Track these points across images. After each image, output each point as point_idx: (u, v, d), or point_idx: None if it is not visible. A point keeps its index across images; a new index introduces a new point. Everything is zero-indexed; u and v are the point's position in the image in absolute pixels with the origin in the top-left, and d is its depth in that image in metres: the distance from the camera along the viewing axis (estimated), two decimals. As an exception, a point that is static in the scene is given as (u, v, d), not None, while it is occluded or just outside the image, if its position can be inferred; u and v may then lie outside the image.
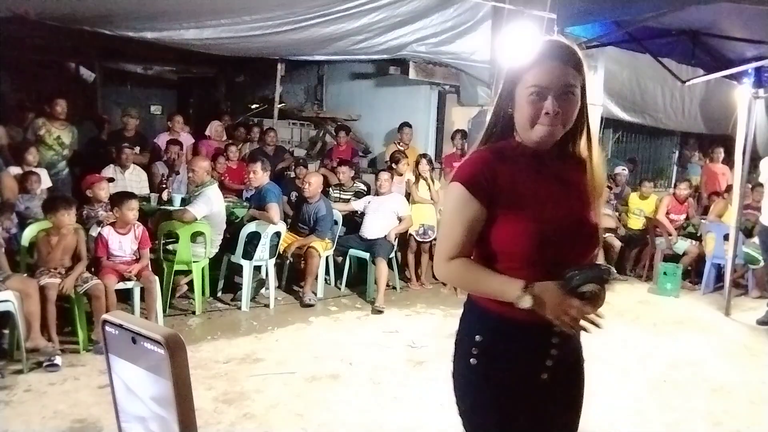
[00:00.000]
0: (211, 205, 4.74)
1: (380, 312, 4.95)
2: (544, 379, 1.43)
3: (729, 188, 6.69)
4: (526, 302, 1.31)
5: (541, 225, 1.38)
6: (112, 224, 4.16)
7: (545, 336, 1.41)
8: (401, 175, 6.12)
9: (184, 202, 4.86)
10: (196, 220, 4.60)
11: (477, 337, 1.43)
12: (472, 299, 1.50)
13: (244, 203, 5.67)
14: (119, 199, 4.21)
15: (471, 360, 1.43)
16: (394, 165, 6.15)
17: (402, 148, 6.86)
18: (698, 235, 6.64)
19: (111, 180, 4.89)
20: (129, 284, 4.08)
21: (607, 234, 6.50)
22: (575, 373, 1.57)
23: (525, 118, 1.40)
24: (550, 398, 1.46)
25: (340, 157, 7.04)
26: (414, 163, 6.13)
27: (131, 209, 4.11)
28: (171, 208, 4.92)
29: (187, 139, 6.66)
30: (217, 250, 4.96)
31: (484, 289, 1.42)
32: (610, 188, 7.12)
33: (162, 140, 6.48)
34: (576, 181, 1.46)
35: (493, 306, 1.41)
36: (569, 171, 1.47)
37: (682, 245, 6.59)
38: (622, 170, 7.62)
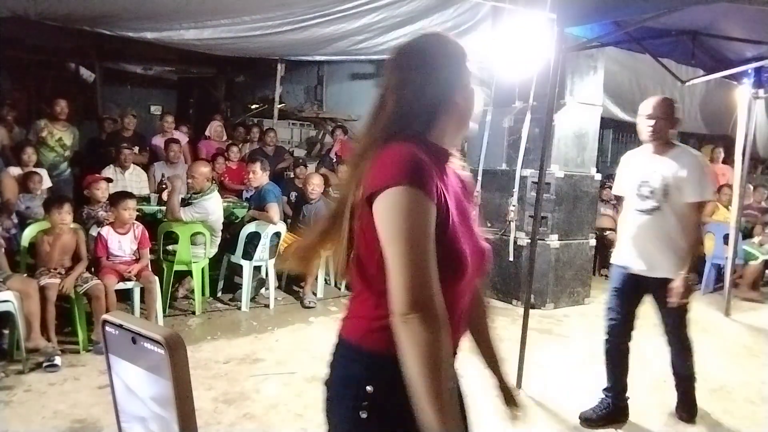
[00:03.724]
0: (206, 216, 4.71)
1: None
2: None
3: (721, 188, 6.69)
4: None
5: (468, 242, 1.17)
6: (111, 224, 4.16)
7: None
8: None
9: (184, 202, 4.86)
10: (183, 221, 4.60)
11: (368, 388, 1.15)
12: (357, 337, 1.20)
13: (244, 203, 5.67)
14: (116, 198, 4.24)
15: (360, 413, 1.15)
16: None
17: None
18: (698, 235, 6.63)
19: (109, 180, 4.89)
20: (129, 284, 4.08)
21: (607, 231, 6.52)
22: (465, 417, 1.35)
23: (468, 113, 1.24)
24: None
25: (339, 155, 7.05)
26: None
27: (126, 209, 4.11)
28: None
29: (181, 137, 6.67)
30: (216, 251, 4.96)
31: (435, 377, 1.02)
32: (610, 188, 7.10)
33: (157, 142, 6.49)
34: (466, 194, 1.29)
35: (391, 350, 1.06)
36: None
37: (682, 245, 6.58)
38: None
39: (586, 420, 3.11)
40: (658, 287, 2.92)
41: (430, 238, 1.05)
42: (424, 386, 1.01)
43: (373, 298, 1.16)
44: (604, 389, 3.19)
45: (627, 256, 3.04)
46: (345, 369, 1.22)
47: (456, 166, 1.28)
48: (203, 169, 4.87)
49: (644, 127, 2.92)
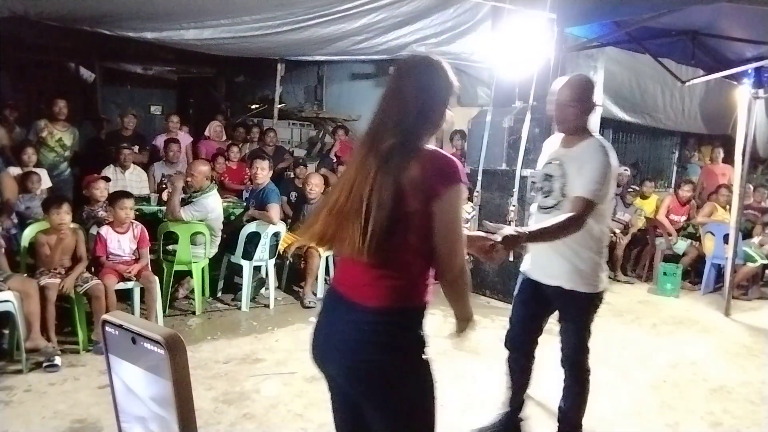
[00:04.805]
0: (206, 214, 4.71)
1: None
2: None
3: (718, 189, 6.69)
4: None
5: None
6: (111, 224, 4.16)
7: None
8: None
9: (183, 201, 4.86)
10: (184, 220, 4.60)
11: (421, 332, 1.52)
12: (412, 295, 1.52)
13: (244, 203, 5.67)
14: (113, 198, 4.25)
15: (423, 356, 1.51)
16: None
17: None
18: (698, 235, 6.63)
19: (107, 179, 4.88)
20: (129, 284, 4.08)
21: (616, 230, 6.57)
22: None
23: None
24: None
25: (339, 156, 7.05)
26: None
27: (123, 208, 4.11)
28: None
29: (184, 138, 6.68)
30: (216, 251, 4.95)
31: (467, 304, 1.66)
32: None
33: (160, 142, 6.50)
34: None
35: (427, 299, 1.55)
36: None
37: (682, 245, 6.59)
38: (624, 170, 7.64)
39: None
40: (555, 298, 2.54)
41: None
42: (466, 304, 1.64)
43: (418, 269, 1.51)
44: (503, 402, 2.86)
45: (527, 261, 2.71)
46: (401, 324, 1.50)
47: None
48: (203, 168, 4.88)
49: (551, 112, 2.55)
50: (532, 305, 2.69)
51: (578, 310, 2.55)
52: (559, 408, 2.75)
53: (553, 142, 2.65)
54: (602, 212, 2.45)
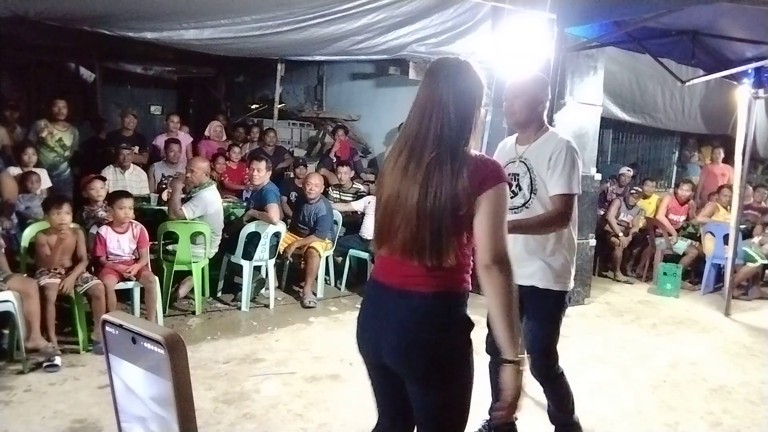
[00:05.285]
0: (205, 207, 4.72)
1: None
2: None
3: (720, 189, 6.69)
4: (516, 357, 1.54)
5: None
6: (110, 224, 4.16)
7: None
8: None
9: (182, 201, 4.86)
10: (186, 219, 4.60)
11: (466, 313, 1.63)
12: (459, 279, 1.61)
13: (244, 203, 5.67)
14: (112, 197, 4.25)
15: (466, 337, 1.62)
16: None
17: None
18: (698, 235, 6.64)
19: (103, 179, 4.86)
20: (129, 284, 4.08)
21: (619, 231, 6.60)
22: None
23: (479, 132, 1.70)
24: None
25: (339, 156, 7.04)
26: None
27: (122, 208, 4.11)
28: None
29: (185, 138, 6.68)
30: (216, 251, 4.95)
31: (510, 310, 1.54)
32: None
33: (160, 142, 6.50)
34: None
35: (468, 283, 1.63)
36: None
37: (682, 245, 6.59)
38: (627, 170, 7.64)
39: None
40: (528, 298, 2.45)
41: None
42: (504, 307, 1.54)
43: (463, 260, 1.60)
44: (489, 409, 2.79)
45: None
46: (446, 305, 1.60)
47: None
48: (202, 164, 4.91)
49: (504, 111, 2.55)
50: None
51: (550, 309, 2.55)
52: (548, 410, 2.75)
53: (508, 144, 2.64)
54: None
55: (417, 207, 1.53)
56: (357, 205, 5.85)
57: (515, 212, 2.48)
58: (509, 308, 1.53)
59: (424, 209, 1.52)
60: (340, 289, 5.62)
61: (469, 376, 1.66)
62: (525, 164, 2.48)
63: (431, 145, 1.54)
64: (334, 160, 7.15)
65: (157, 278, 4.18)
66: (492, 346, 2.70)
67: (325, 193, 5.73)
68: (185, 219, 4.58)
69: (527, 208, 2.47)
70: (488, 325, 2.69)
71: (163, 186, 5.48)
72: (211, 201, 4.78)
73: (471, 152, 1.58)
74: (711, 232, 6.30)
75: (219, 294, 5.18)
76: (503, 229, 1.54)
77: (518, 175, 2.50)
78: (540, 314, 2.54)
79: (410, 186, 1.55)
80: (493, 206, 1.53)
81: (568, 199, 2.37)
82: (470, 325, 1.63)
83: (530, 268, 2.49)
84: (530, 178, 2.46)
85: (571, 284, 2.58)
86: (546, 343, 2.55)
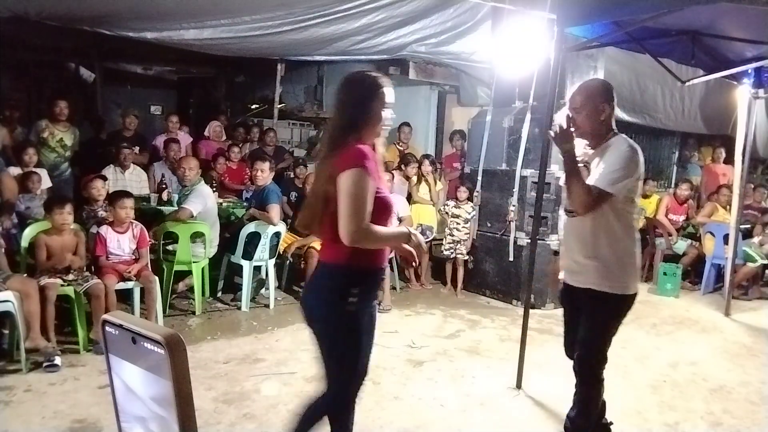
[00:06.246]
0: (205, 200, 4.78)
1: (387, 311, 4.96)
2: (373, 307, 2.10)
3: (719, 189, 6.69)
4: (413, 239, 2.01)
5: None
6: (110, 223, 4.16)
7: (381, 275, 2.12)
8: (409, 178, 6.13)
9: (178, 201, 4.87)
10: (194, 216, 4.61)
11: (353, 290, 1.94)
12: (349, 263, 1.95)
13: (244, 203, 5.67)
14: (113, 197, 4.26)
15: (348, 307, 1.94)
16: (403, 166, 6.19)
17: (401, 148, 6.88)
18: (698, 235, 6.63)
19: (104, 179, 4.87)
20: (129, 284, 4.08)
21: None
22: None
23: (380, 125, 2.03)
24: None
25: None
26: (417, 163, 6.17)
27: (123, 207, 4.11)
28: (168, 208, 4.94)
29: (184, 138, 6.68)
30: (216, 251, 4.96)
31: (387, 238, 2.01)
32: None
33: (160, 141, 6.50)
34: None
35: (371, 264, 2.00)
36: None
37: (682, 245, 6.59)
38: None
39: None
40: (585, 301, 2.51)
41: (370, 197, 1.89)
42: (382, 242, 2.02)
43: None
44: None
45: (561, 263, 2.71)
46: (334, 280, 1.99)
47: (378, 153, 2.04)
48: (194, 162, 5.02)
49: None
50: (568, 308, 2.71)
51: (603, 312, 2.51)
52: (566, 421, 2.72)
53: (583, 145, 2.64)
54: (621, 211, 2.43)
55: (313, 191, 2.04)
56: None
57: (571, 214, 2.50)
58: (385, 241, 2.04)
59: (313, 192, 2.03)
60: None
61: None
62: (587, 168, 2.51)
63: (326, 143, 2.02)
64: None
65: (157, 278, 4.18)
66: (568, 349, 2.70)
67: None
68: (194, 216, 4.61)
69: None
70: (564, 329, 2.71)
71: (163, 186, 5.49)
72: (207, 193, 4.90)
73: (354, 144, 1.91)
74: (711, 232, 6.30)
75: (219, 294, 5.18)
76: (357, 212, 1.85)
77: None
78: (593, 317, 2.52)
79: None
80: (345, 189, 1.85)
81: (598, 193, 2.33)
82: (349, 294, 1.94)
83: (585, 268, 2.49)
84: None
85: (633, 288, 2.52)
86: (595, 344, 2.53)
